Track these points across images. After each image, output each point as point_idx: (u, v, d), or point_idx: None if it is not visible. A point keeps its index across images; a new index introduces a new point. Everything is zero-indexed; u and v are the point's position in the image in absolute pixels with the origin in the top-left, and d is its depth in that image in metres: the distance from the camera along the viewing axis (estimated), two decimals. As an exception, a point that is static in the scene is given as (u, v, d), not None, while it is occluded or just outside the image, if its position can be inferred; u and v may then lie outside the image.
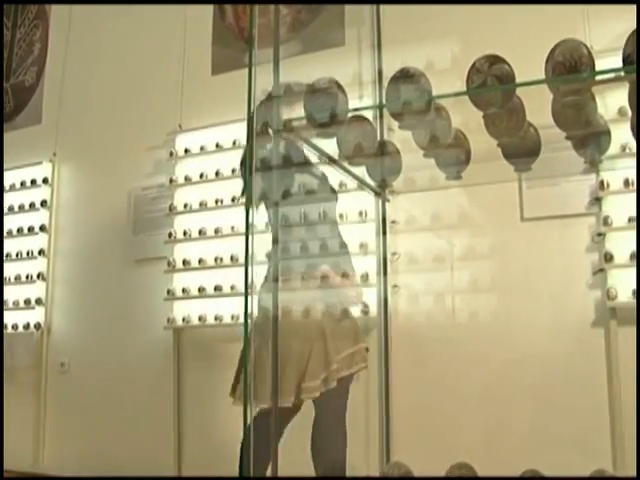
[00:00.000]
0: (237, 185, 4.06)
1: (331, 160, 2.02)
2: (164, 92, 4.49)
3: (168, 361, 4.25)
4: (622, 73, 1.74)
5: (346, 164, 2.17)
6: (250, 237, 1.87)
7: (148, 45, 4.68)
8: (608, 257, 3.46)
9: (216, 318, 4.03)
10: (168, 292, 4.17)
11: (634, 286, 3.37)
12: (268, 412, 2.31)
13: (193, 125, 4.30)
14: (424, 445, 3.64)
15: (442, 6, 3.86)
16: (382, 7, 3.98)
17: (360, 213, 3.82)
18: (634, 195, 3.46)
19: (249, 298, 1.85)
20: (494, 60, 1.84)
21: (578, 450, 3.37)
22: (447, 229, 3.72)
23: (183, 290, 4.16)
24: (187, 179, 4.28)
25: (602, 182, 3.52)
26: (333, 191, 2.72)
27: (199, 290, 4.09)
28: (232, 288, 4.02)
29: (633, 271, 3.42)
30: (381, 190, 2.26)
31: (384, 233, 2.27)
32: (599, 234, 3.53)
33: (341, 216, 3.71)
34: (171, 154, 4.35)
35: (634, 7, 3.61)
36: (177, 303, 4.20)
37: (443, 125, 1.99)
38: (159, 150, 4.46)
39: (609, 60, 1.85)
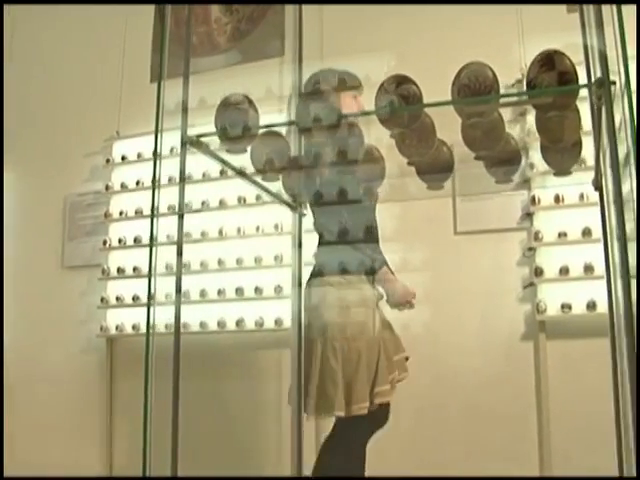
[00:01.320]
0: (173, 193, 4.04)
1: (240, 174, 2.01)
2: (102, 98, 4.44)
3: (101, 370, 4.19)
4: (526, 97, 1.75)
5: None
6: (154, 249, 1.85)
7: (87, 51, 4.62)
8: (538, 271, 3.52)
9: (166, 327, 3.96)
10: (102, 300, 4.11)
11: (563, 300, 3.43)
12: (350, 422, 2.31)
13: (131, 132, 4.25)
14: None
15: (382, 19, 3.89)
16: (323, 19, 4.02)
17: (276, 226, 3.84)
18: (564, 211, 3.53)
19: (151, 309, 1.83)
20: (402, 80, 1.85)
21: (507, 458, 3.41)
22: (383, 241, 3.73)
23: (117, 298, 4.10)
24: (123, 186, 4.24)
25: (534, 198, 3.58)
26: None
27: (133, 298, 4.04)
28: (166, 297, 3.96)
29: (562, 285, 3.48)
30: (296, 204, 2.25)
31: (299, 246, 2.25)
32: (530, 249, 3.58)
33: (257, 228, 3.73)
34: (108, 161, 4.30)
35: (564, 25, 3.70)
36: (111, 311, 4.15)
37: (354, 142, 1.99)
38: (96, 156, 4.41)
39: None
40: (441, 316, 3.60)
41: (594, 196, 3.45)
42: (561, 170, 1.99)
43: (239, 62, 4.08)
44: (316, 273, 2.47)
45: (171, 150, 3.99)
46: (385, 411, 2.51)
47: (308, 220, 3.73)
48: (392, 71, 3.55)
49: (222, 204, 3.96)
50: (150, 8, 4.41)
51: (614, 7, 1.59)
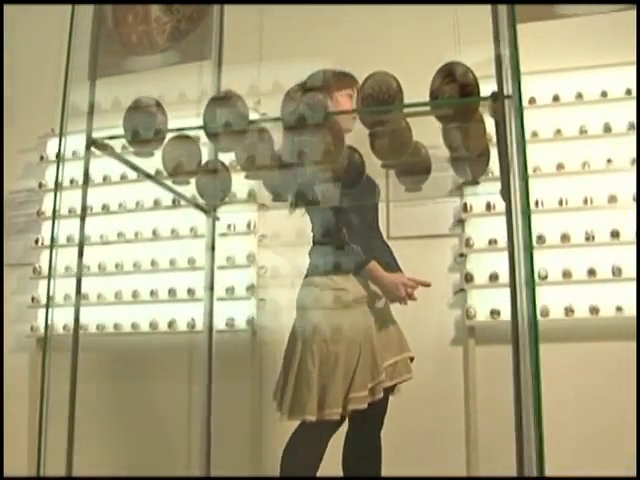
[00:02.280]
0: (107, 193, 4.01)
1: (149, 177, 2.00)
2: (39, 94, 4.36)
3: (32, 370, 4.13)
4: (429, 108, 1.77)
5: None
6: (55, 250, 1.83)
7: (25, 46, 4.55)
8: (469, 277, 3.56)
9: (82, 327, 3.93)
10: (33, 299, 4.05)
11: (492, 306, 3.47)
12: (312, 425, 2.29)
13: (66, 129, 4.18)
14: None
15: (323, 24, 3.90)
16: (263, 21, 4.01)
17: (191, 229, 3.86)
18: (495, 218, 3.57)
19: (49, 311, 1.81)
20: (308, 88, 1.87)
21: (435, 461, 3.45)
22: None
23: (48, 298, 4.05)
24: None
25: (465, 205, 3.62)
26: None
27: (64, 298, 3.98)
28: (99, 297, 3.95)
29: (491, 291, 3.52)
30: (210, 208, 2.24)
31: (212, 249, 2.25)
32: (461, 255, 3.62)
33: (173, 231, 3.72)
34: (42, 158, 4.23)
35: (500, 32, 3.75)
36: (42, 311, 4.08)
37: (264, 147, 1.99)
38: (30, 153, 4.34)
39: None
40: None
41: (549, 202, 3.53)
42: (469, 180, 2.02)
43: (177, 62, 4.05)
44: (306, 274, 2.51)
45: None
46: (387, 395, 2.52)
47: (220, 224, 3.77)
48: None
49: (139, 206, 3.98)
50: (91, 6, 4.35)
51: (508, 24, 1.62)
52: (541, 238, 3.50)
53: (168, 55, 4.05)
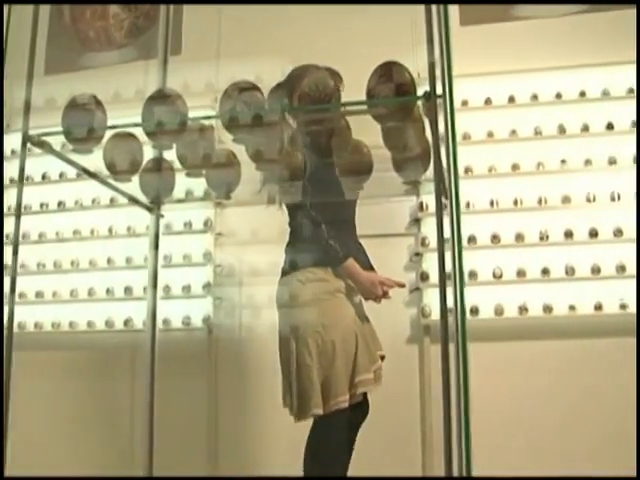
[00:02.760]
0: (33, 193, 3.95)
1: (91, 175, 1.99)
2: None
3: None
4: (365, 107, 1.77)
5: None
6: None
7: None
8: (424, 276, 3.58)
9: (20, 326, 3.87)
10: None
11: (447, 305, 3.48)
12: (326, 420, 2.25)
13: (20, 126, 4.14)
14: (249, 453, 3.65)
15: (281, 24, 3.89)
16: (221, 19, 3.99)
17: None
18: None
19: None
20: (246, 87, 1.86)
21: (391, 460, 3.46)
22: (271, 243, 3.73)
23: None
24: (12, 181, 4.11)
25: (421, 204, 3.63)
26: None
27: None
28: (37, 295, 3.93)
29: (447, 290, 3.53)
30: (154, 206, 2.23)
31: (156, 247, 2.23)
32: (417, 254, 3.63)
33: (129, 229, 3.70)
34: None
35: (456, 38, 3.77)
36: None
37: (207, 145, 1.98)
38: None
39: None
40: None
41: (481, 204, 3.58)
42: (410, 180, 2.03)
43: (135, 59, 4.02)
44: (285, 271, 2.46)
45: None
46: (366, 401, 2.48)
47: (177, 222, 3.76)
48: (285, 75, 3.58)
49: (77, 204, 3.96)
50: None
51: (442, 26, 1.62)
52: (496, 237, 3.53)
53: (126, 52, 4.02)
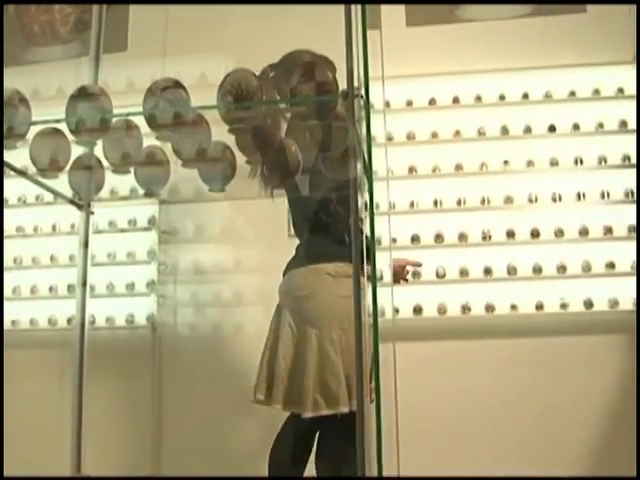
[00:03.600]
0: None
1: (19, 173, 1.96)
2: None
3: None
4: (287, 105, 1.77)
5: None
6: None
7: None
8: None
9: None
10: None
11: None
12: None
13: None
14: (194, 453, 3.63)
15: (228, 22, 3.87)
16: (168, 16, 3.97)
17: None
18: (381, 218, 3.60)
19: None
20: (170, 85, 1.85)
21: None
22: (214, 242, 3.73)
23: None
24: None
25: (365, 204, 3.64)
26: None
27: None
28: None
29: (385, 290, 3.56)
30: (84, 203, 2.21)
31: (86, 245, 2.21)
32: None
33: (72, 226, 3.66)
34: None
35: (403, 39, 3.80)
36: None
37: (133, 143, 1.97)
38: None
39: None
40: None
41: (424, 203, 3.61)
42: (338, 179, 2.02)
43: (80, 54, 3.96)
44: (307, 261, 2.39)
45: None
46: None
47: (121, 220, 3.73)
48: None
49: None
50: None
51: (359, 26, 1.63)
52: (440, 237, 3.57)
53: (71, 47, 3.97)
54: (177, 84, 1.86)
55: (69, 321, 3.74)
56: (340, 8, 3.68)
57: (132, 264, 3.70)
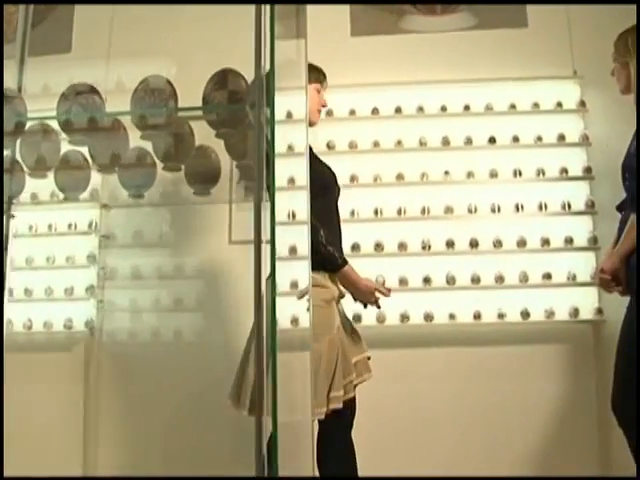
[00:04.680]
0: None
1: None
2: None
3: None
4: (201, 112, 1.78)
5: None
6: None
7: None
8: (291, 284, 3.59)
9: None
10: None
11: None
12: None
13: None
14: (130, 456, 3.60)
15: (173, 25, 3.85)
16: (114, 18, 3.95)
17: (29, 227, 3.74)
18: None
19: None
20: (84, 89, 1.85)
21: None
22: (154, 247, 3.71)
23: None
24: None
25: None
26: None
27: None
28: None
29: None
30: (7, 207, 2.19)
31: (5, 249, 2.19)
32: (295, 260, 3.65)
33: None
34: None
35: (347, 48, 3.83)
36: None
37: (50, 147, 1.96)
38: None
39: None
40: (214, 323, 3.63)
41: (365, 212, 3.63)
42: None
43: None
44: None
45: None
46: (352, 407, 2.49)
47: (61, 223, 3.70)
48: (172, 78, 3.54)
49: None
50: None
51: (268, 41, 1.64)
52: (379, 246, 3.59)
53: (13, 47, 3.92)
54: (92, 89, 1.85)
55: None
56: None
57: (71, 268, 3.66)
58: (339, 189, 2.69)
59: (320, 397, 2.28)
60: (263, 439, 1.52)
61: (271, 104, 1.58)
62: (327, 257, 2.38)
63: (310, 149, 2.49)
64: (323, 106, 2.72)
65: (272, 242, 1.55)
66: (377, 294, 2.60)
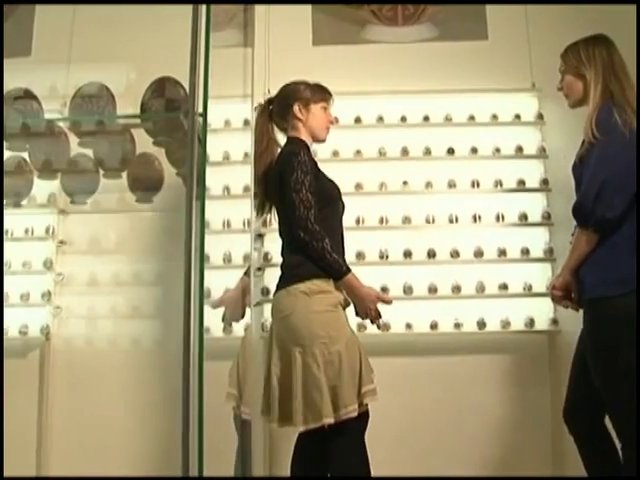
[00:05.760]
0: None
1: None
2: None
3: None
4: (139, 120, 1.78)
5: None
6: None
7: None
8: (265, 291, 3.60)
9: None
10: None
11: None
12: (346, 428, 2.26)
13: None
14: (84, 464, 3.57)
15: (132, 30, 3.84)
16: (74, 23, 3.93)
17: None
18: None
19: None
20: (21, 95, 1.85)
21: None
22: (111, 253, 3.70)
23: None
24: None
25: (265, 220, 3.64)
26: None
27: None
28: None
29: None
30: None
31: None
32: (259, 269, 3.65)
33: None
34: None
35: (310, 57, 3.85)
36: None
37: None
38: None
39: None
40: (171, 330, 3.60)
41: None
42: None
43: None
44: (285, 282, 2.46)
45: None
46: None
47: (17, 228, 3.67)
48: (130, 83, 3.54)
49: None
50: None
51: (202, 49, 1.64)
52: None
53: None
54: (29, 94, 1.85)
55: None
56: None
57: (27, 274, 3.63)
58: (344, 206, 2.71)
59: (348, 396, 2.29)
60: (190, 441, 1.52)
61: (204, 112, 1.58)
62: (332, 264, 2.39)
63: (315, 163, 2.52)
64: (331, 122, 2.73)
65: (201, 254, 1.55)
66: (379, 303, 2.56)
